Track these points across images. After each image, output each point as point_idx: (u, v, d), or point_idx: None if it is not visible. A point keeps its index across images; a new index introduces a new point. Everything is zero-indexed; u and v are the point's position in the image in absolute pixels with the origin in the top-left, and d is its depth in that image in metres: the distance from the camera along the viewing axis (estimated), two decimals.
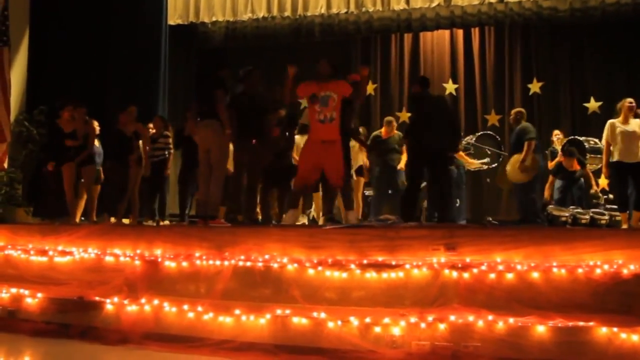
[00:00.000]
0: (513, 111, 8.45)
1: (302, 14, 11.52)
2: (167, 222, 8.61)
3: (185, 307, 4.58)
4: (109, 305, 4.82)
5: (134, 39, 10.96)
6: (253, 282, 4.78)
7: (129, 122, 8.02)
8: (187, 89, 11.61)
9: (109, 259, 5.36)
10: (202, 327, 4.49)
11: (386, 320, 4.12)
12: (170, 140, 8.59)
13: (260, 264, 4.84)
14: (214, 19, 11.85)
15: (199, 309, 4.54)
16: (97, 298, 4.89)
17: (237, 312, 4.41)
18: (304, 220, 8.23)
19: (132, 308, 4.73)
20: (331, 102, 5.97)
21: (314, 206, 8.87)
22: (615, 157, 7.00)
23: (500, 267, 4.44)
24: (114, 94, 10.57)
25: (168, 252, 5.31)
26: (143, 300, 4.76)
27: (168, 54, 11.54)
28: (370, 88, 11.51)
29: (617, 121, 7.08)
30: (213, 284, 4.82)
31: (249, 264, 4.87)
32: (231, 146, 6.81)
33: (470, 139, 9.28)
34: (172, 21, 11.76)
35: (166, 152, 8.60)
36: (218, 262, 4.94)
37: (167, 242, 5.42)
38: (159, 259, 5.14)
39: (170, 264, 5.06)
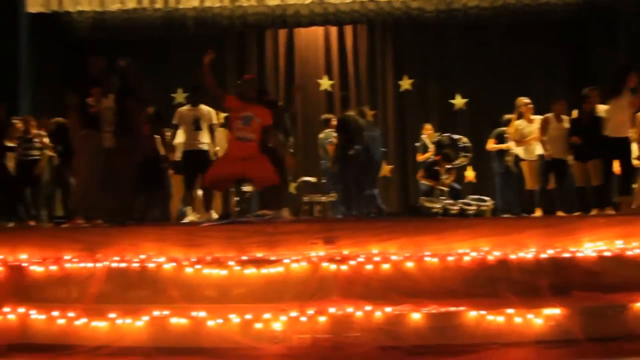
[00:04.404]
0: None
1: (175, 6, 11.10)
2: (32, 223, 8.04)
3: (55, 313, 4.31)
4: None
5: None
6: (129, 283, 4.63)
7: None
8: (51, 82, 10.84)
9: None
10: (75, 334, 4.25)
11: (267, 315, 4.13)
12: (47, 140, 8.06)
13: (135, 265, 4.68)
14: (79, 8, 11.08)
15: (70, 314, 4.29)
16: None
17: (112, 315, 4.23)
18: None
19: None
20: (253, 123, 5.99)
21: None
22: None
23: (377, 259, 4.62)
24: None
25: (35, 256, 4.97)
26: (6, 309, 4.42)
27: (29, 45, 10.76)
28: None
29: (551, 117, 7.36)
30: (85, 288, 4.60)
31: (123, 265, 4.69)
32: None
33: None
34: (32, 9, 10.89)
35: (40, 153, 8.07)
36: (90, 264, 4.71)
37: (34, 246, 5.07)
38: (24, 264, 4.80)
39: (37, 269, 4.75)
